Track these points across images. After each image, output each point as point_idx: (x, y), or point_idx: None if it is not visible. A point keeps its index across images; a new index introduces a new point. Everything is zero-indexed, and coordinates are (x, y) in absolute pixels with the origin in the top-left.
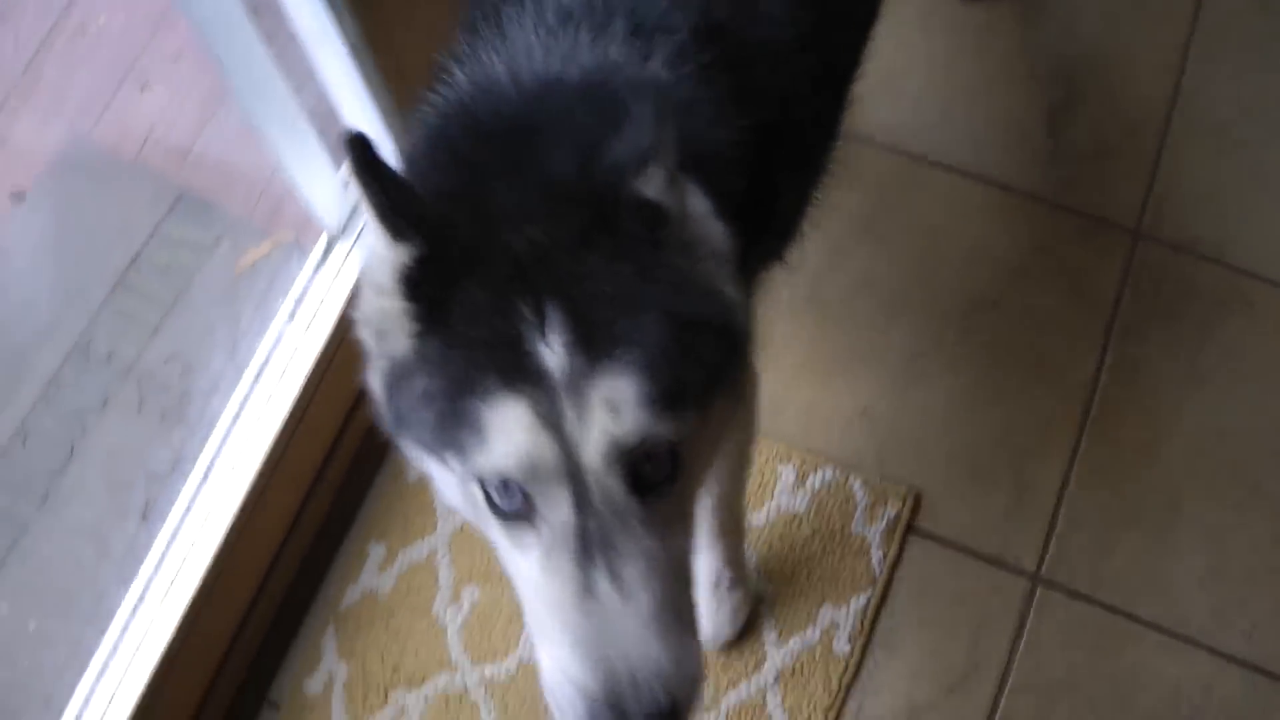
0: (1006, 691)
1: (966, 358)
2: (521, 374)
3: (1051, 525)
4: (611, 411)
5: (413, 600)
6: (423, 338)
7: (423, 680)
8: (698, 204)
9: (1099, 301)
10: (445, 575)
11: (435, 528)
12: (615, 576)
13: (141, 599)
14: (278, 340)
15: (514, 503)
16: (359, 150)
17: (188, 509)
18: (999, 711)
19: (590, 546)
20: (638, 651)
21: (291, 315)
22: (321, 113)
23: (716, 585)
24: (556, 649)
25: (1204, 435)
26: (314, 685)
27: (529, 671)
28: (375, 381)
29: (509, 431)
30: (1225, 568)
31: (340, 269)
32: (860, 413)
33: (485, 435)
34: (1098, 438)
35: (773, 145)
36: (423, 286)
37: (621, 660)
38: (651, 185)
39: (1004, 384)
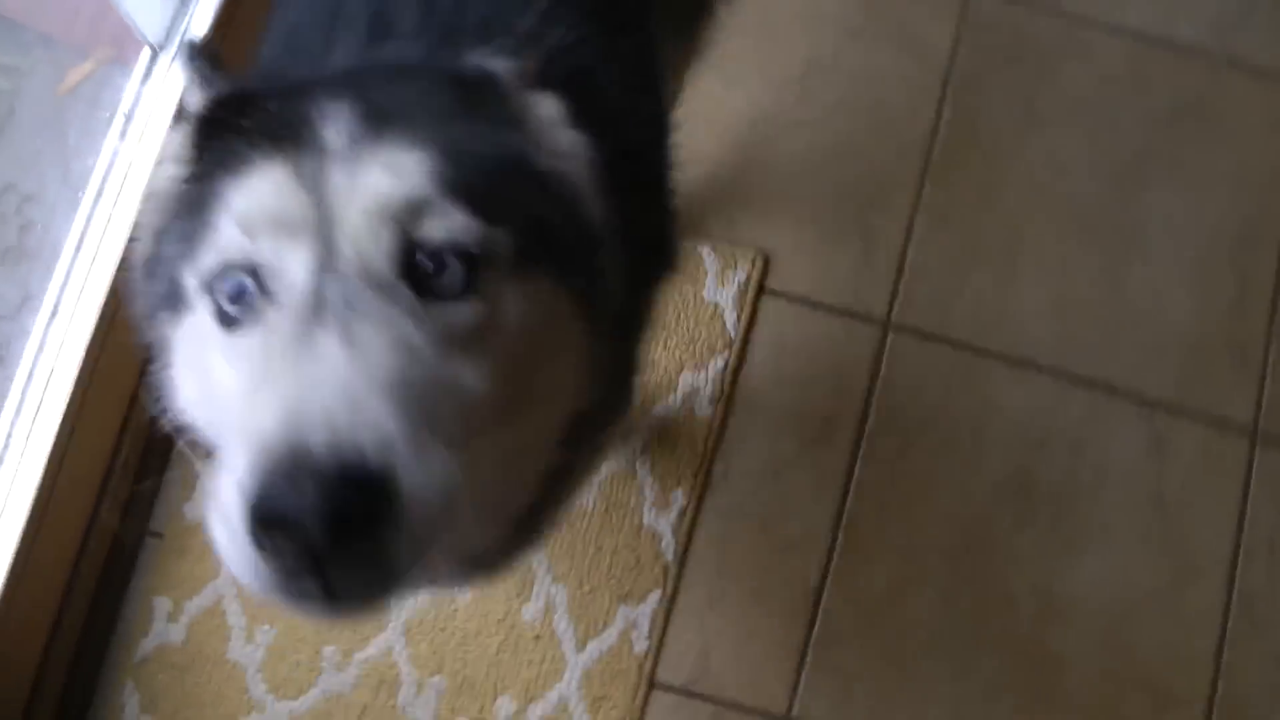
0: (866, 436)
1: (808, 120)
2: (290, 145)
3: (899, 273)
4: (387, 169)
5: (208, 650)
6: (196, 145)
7: None
8: (549, 108)
9: (935, 56)
10: (237, 619)
11: (217, 573)
12: (347, 332)
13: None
14: (111, 162)
15: (243, 302)
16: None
17: (37, 355)
18: (860, 455)
19: (324, 311)
20: (345, 394)
21: (122, 134)
22: None
23: None
24: (235, 457)
25: (1042, 174)
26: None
27: (334, 701)
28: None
29: (251, 187)
30: (1067, 295)
31: (166, 81)
32: (704, 179)
33: (227, 203)
34: (940, 184)
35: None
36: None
37: (319, 404)
38: (491, 63)
39: (846, 142)
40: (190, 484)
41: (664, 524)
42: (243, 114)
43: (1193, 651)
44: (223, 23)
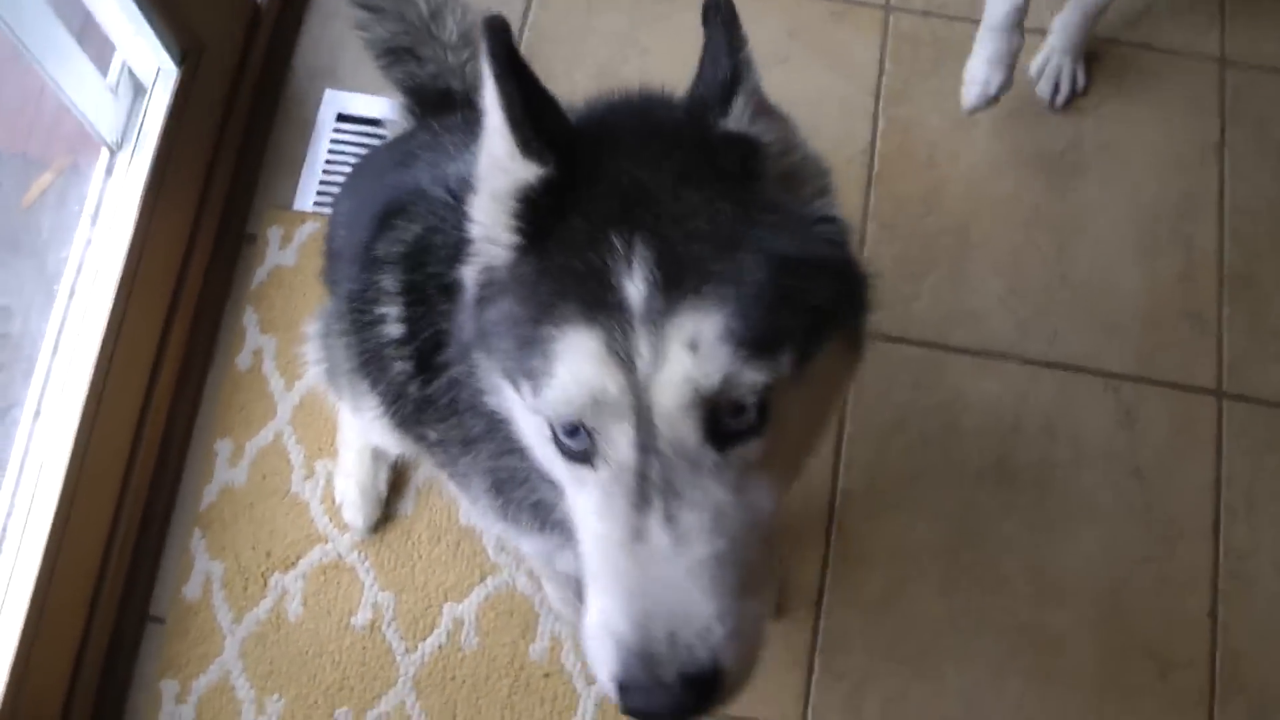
0: (844, 442)
1: None
2: (601, 307)
3: None
4: (690, 350)
5: (270, 485)
6: (521, 257)
7: (297, 559)
8: (792, 131)
9: (864, 74)
10: (296, 454)
11: (275, 412)
12: (671, 523)
13: None
14: (80, 262)
15: (579, 442)
16: (498, 38)
17: (25, 453)
18: (841, 463)
19: (649, 491)
20: (681, 604)
21: (89, 241)
22: (79, 18)
23: None
24: (601, 596)
25: (979, 174)
26: (192, 590)
27: (397, 525)
28: (469, 281)
29: (576, 362)
30: (1020, 285)
31: (126, 178)
32: None
33: (552, 364)
34: (885, 194)
35: None
36: (537, 207)
37: (662, 612)
38: (736, 118)
39: None
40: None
41: None
42: (557, 229)
43: (1188, 614)
44: (174, 118)
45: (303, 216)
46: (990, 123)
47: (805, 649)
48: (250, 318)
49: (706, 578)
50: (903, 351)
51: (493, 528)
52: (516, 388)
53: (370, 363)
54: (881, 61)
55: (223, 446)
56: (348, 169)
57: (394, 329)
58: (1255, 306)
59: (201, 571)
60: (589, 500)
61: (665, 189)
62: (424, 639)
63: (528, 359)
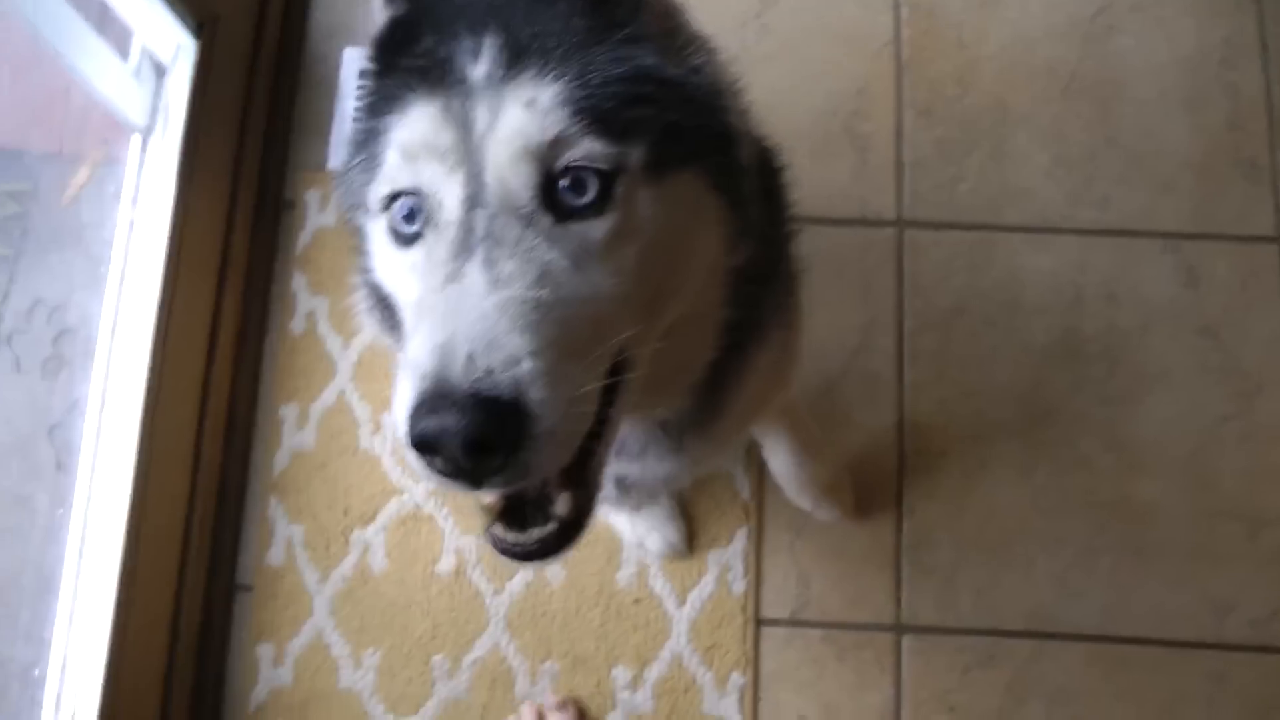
0: (906, 335)
1: (773, 53)
2: (440, 85)
3: (899, 172)
4: (526, 107)
5: (339, 444)
6: (373, 85)
7: (375, 513)
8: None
9: None
10: (360, 410)
11: (335, 371)
12: (489, 265)
13: (83, 543)
14: (126, 251)
15: (411, 223)
16: None
17: (96, 447)
18: (905, 355)
19: (471, 241)
20: (486, 331)
21: (131, 224)
22: (95, 8)
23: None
24: (409, 341)
25: (1012, 49)
26: (276, 556)
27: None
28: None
29: (410, 125)
30: (1066, 155)
31: (160, 161)
32: None
33: (389, 140)
34: (916, 80)
35: None
36: (393, 44)
37: (464, 338)
38: None
39: (815, 65)
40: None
41: (732, 464)
42: (406, 50)
43: (1273, 469)
44: (198, 93)
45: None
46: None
47: (891, 549)
48: (299, 281)
49: (520, 317)
50: (954, 236)
51: None
52: (366, 206)
53: None
54: None
55: (288, 412)
56: None
57: None
58: None
59: (283, 536)
60: (414, 267)
61: (524, 6)
62: (510, 579)
63: (370, 160)
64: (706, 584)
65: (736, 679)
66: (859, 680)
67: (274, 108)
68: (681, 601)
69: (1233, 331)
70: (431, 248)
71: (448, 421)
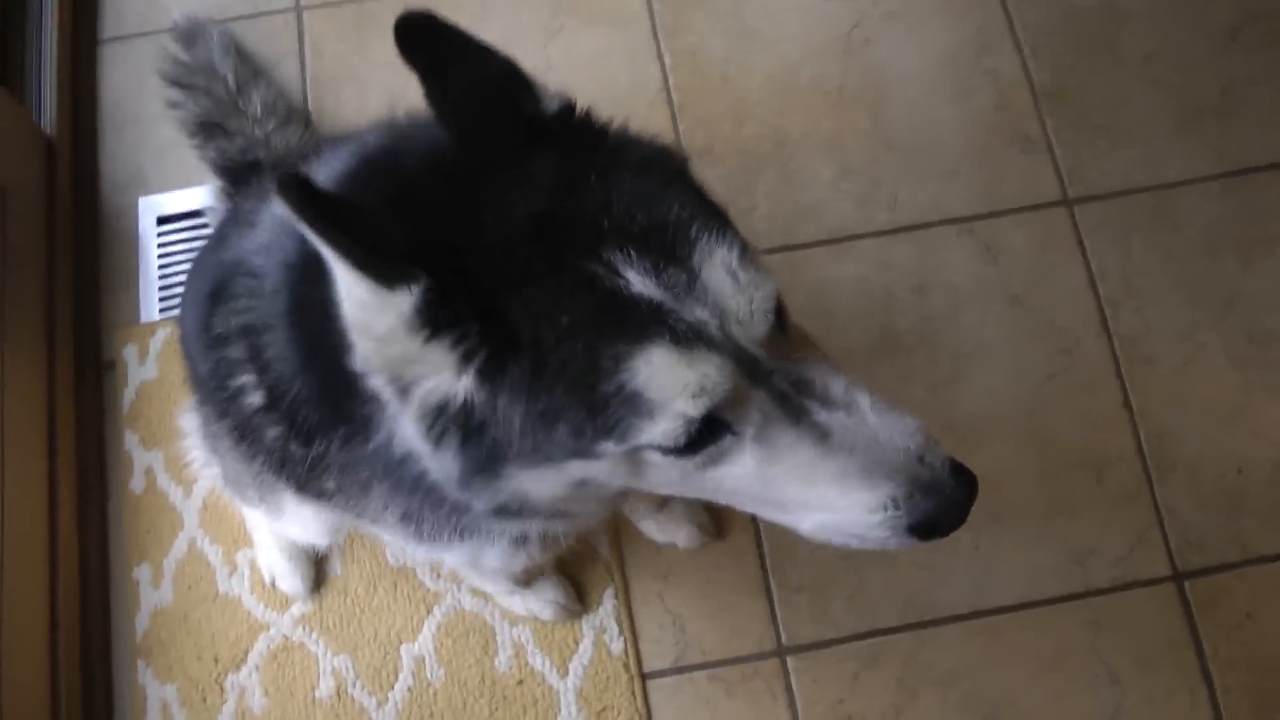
0: None
1: None
2: (636, 321)
3: None
4: (731, 277)
5: (198, 593)
6: (491, 364)
7: (245, 654)
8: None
9: (637, 20)
10: (214, 555)
11: (182, 522)
12: (828, 404)
13: None
14: None
15: (712, 429)
16: (300, 195)
17: None
18: None
19: (791, 403)
20: (901, 435)
21: None
22: None
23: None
24: (837, 508)
25: (777, 76)
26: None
27: (331, 587)
28: (419, 434)
29: (674, 376)
30: (849, 165)
31: None
32: None
33: (651, 396)
34: (692, 122)
35: None
36: (451, 312)
37: (898, 453)
38: (549, 99)
39: None
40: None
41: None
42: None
43: (1104, 412)
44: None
45: (152, 328)
46: (771, 28)
47: (757, 575)
48: (131, 440)
49: (889, 407)
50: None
51: (417, 553)
52: (589, 456)
53: (246, 435)
54: (649, 3)
55: (142, 572)
56: (183, 268)
57: (255, 397)
58: (1074, 113)
59: (156, 699)
60: (747, 463)
61: (555, 193)
62: (391, 688)
63: (607, 418)
64: (585, 650)
65: None
66: (754, 711)
67: (79, 269)
68: (564, 673)
69: (1040, 295)
70: (762, 437)
71: (956, 493)
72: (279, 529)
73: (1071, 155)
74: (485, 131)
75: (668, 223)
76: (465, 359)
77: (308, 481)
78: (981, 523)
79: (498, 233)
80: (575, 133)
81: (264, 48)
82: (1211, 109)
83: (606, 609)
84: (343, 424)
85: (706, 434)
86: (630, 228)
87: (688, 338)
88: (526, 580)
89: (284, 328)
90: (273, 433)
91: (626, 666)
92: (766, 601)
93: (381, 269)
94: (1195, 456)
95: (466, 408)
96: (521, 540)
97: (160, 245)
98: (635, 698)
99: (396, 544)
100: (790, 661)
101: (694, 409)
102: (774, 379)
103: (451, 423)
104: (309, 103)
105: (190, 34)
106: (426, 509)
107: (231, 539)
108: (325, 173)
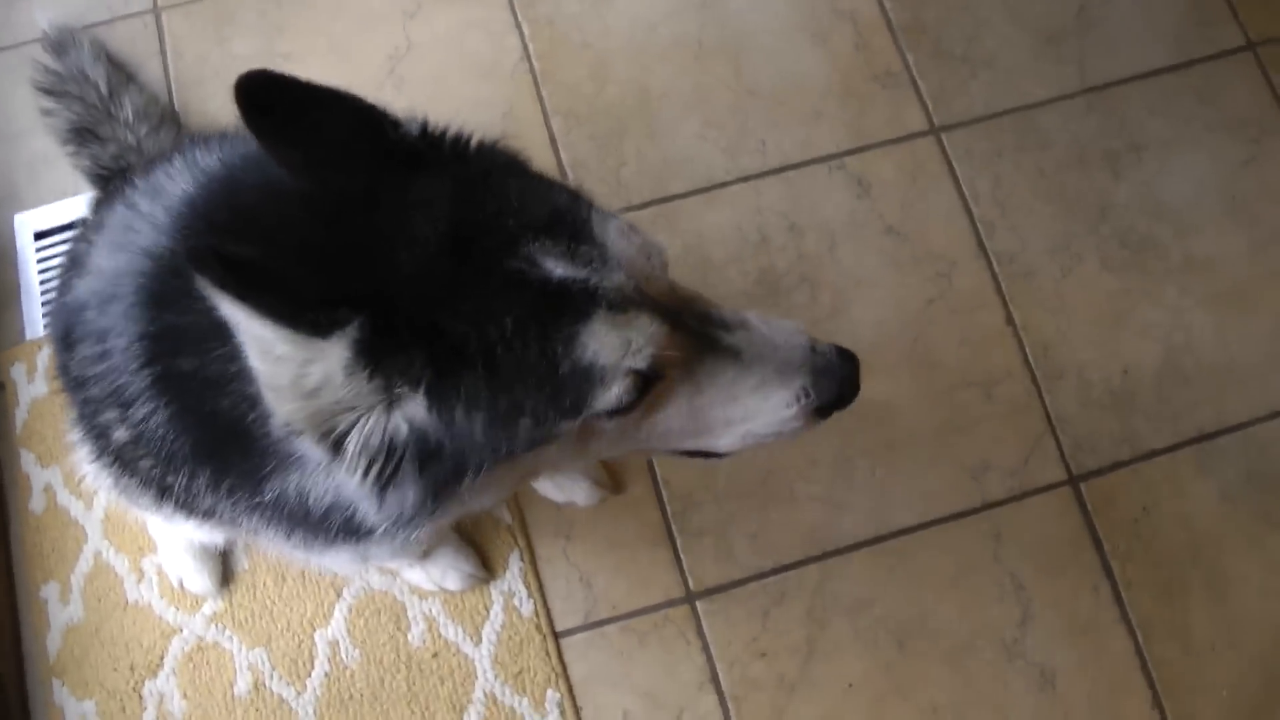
0: None
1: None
2: (576, 302)
3: (562, 174)
4: (630, 244)
5: (108, 604)
6: (442, 382)
7: (160, 659)
8: None
9: None
10: (120, 565)
11: (86, 536)
12: (728, 328)
13: None
14: None
15: (647, 379)
16: (221, 271)
17: None
18: None
19: (703, 336)
20: (792, 335)
21: None
22: None
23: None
24: (759, 413)
25: (639, 36)
26: None
27: (240, 582)
28: (359, 481)
29: (609, 340)
30: (713, 116)
31: None
32: None
33: (603, 363)
34: (555, 88)
35: None
36: (391, 342)
37: (796, 350)
38: (407, 124)
39: (458, 99)
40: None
41: None
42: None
43: (989, 331)
44: None
45: (38, 344)
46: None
47: (659, 524)
48: (28, 459)
49: (768, 317)
50: (632, 217)
51: (299, 558)
52: (554, 436)
53: (121, 463)
54: None
55: (50, 591)
56: None
57: (123, 433)
58: (933, 45)
59: (75, 716)
60: (683, 401)
61: (454, 207)
62: (309, 676)
63: (568, 397)
64: (496, 616)
65: (552, 695)
66: (668, 658)
67: None
68: (478, 641)
69: (914, 223)
70: (692, 374)
71: (851, 370)
72: (179, 529)
73: (935, 86)
74: (355, 169)
75: (561, 209)
76: (414, 384)
77: (186, 503)
78: (877, 450)
79: (412, 257)
80: (442, 149)
81: (125, 52)
82: (1069, 30)
83: (513, 573)
84: (228, 477)
85: (646, 385)
86: (535, 222)
87: (617, 303)
88: (425, 552)
89: (152, 398)
90: (145, 464)
91: (539, 628)
92: (671, 549)
93: (311, 320)
94: (1081, 363)
95: (418, 433)
96: (412, 535)
97: (40, 260)
98: (550, 657)
99: (288, 552)
100: (700, 605)
101: (641, 362)
102: (684, 320)
103: (404, 454)
104: (175, 104)
105: (60, 43)
106: (311, 530)
107: (137, 547)
108: (164, 204)
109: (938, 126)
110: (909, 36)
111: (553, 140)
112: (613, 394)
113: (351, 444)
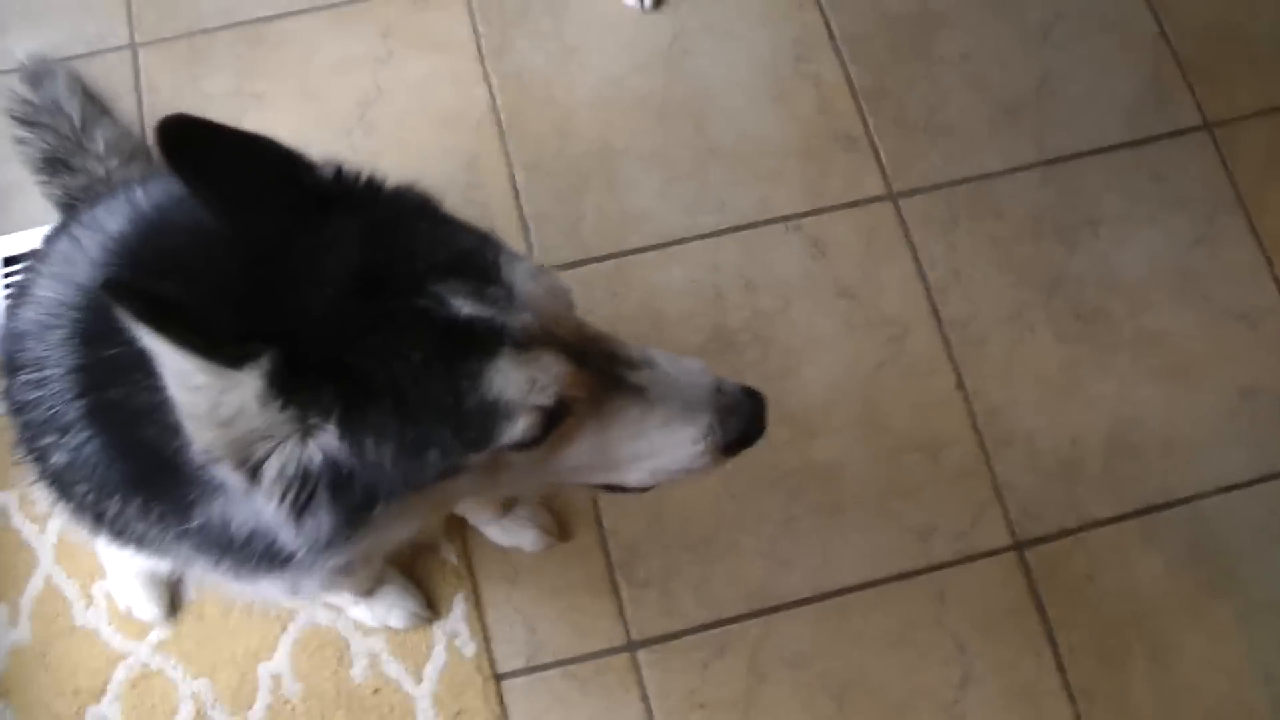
0: None
1: (381, 149)
2: (482, 339)
3: (524, 225)
4: (538, 285)
5: (56, 628)
6: (352, 414)
7: (105, 685)
8: None
9: (462, 43)
10: (70, 589)
11: (37, 559)
12: (634, 367)
13: None
14: None
15: (554, 416)
16: (139, 304)
17: None
18: None
19: (609, 374)
20: (697, 374)
21: None
22: None
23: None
24: (665, 449)
25: (601, 91)
26: None
27: (187, 612)
28: (276, 508)
29: (524, 376)
30: (674, 173)
31: None
32: None
33: (509, 399)
34: (519, 140)
35: None
36: (301, 376)
37: (701, 389)
38: (322, 168)
39: (423, 148)
40: None
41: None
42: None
43: (938, 395)
44: None
45: None
46: (594, 43)
47: (604, 572)
48: None
49: (675, 355)
50: (589, 270)
51: (232, 588)
52: (462, 468)
53: (63, 490)
54: (475, 27)
55: None
56: None
57: (60, 457)
58: (894, 111)
59: None
60: (587, 437)
61: (364, 248)
62: (250, 708)
63: (474, 430)
64: (438, 655)
65: None
66: (608, 705)
67: None
68: (419, 679)
69: (868, 287)
70: (599, 408)
71: (757, 408)
72: (125, 556)
73: (894, 151)
74: (271, 210)
75: (469, 251)
76: (325, 415)
77: (121, 530)
78: (824, 508)
79: (322, 296)
80: (354, 192)
81: (101, 85)
82: (1028, 103)
83: (457, 614)
84: (157, 504)
85: (551, 421)
86: (443, 262)
87: (523, 342)
88: (368, 590)
89: (85, 427)
90: (81, 489)
91: (480, 669)
92: (614, 598)
93: (225, 352)
94: (1030, 431)
95: (330, 462)
96: (341, 566)
97: (8, 287)
98: (490, 699)
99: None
100: (641, 655)
101: (546, 399)
102: (590, 359)
103: (318, 481)
104: (148, 138)
105: (37, 74)
106: (237, 557)
107: (88, 572)
108: (100, 240)
109: (895, 192)
110: (871, 101)
111: (515, 191)
112: (518, 429)
113: (268, 471)
